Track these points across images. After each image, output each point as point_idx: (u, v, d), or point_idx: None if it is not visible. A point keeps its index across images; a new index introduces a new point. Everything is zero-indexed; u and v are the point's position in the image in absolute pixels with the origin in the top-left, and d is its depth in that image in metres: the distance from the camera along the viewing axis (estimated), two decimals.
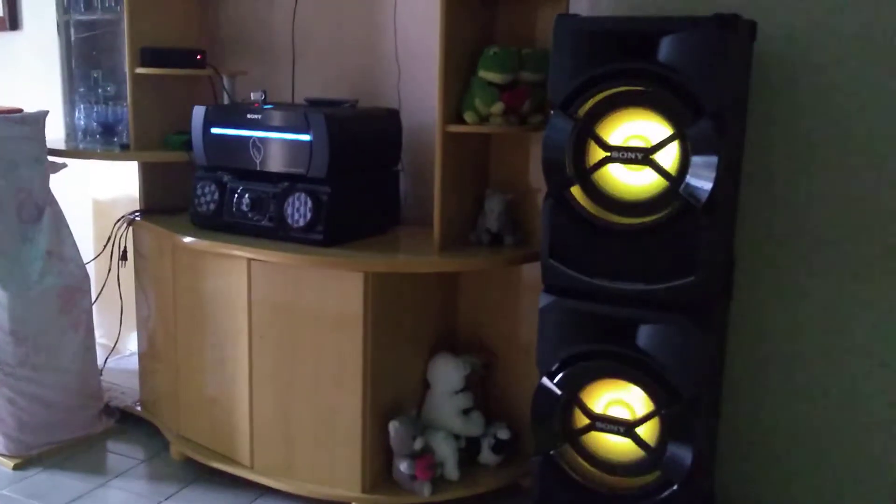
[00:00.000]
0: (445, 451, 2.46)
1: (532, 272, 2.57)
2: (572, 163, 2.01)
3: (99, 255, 3.13)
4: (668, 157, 1.93)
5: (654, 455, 2.04)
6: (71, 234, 2.84)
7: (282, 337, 2.44)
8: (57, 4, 3.15)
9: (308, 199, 2.42)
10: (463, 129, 2.36)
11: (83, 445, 2.84)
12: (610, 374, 2.06)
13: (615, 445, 2.10)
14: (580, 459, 2.14)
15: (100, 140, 3.03)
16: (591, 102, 1.97)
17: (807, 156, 2.31)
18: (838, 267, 2.31)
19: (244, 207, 2.52)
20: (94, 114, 3.04)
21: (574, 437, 2.13)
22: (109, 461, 2.75)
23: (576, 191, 2.03)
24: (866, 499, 2.36)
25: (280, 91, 2.96)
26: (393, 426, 2.39)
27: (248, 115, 2.50)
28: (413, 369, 2.56)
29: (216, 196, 2.59)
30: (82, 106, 3.09)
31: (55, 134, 3.12)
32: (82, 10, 3.07)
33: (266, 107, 2.53)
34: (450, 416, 2.53)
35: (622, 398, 2.09)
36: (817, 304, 2.35)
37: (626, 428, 2.06)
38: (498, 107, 2.33)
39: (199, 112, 2.61)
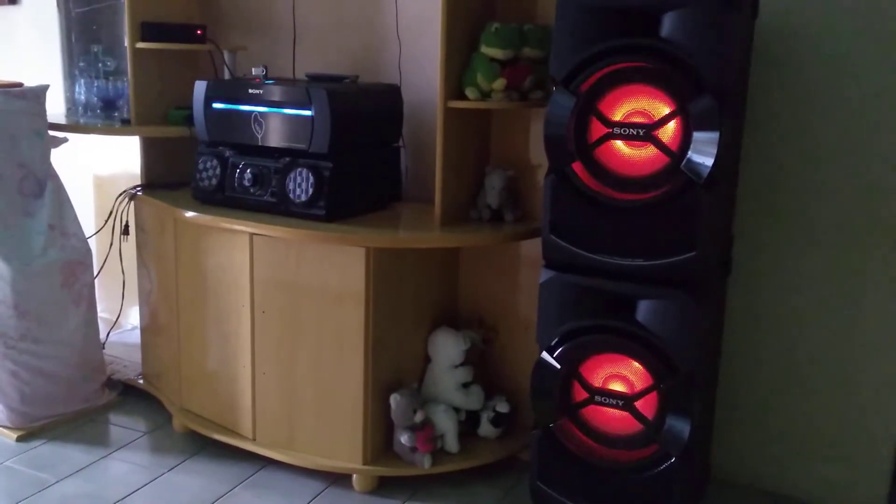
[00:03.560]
0: (445, 423, 2.49)
1: (532, 248, 2.58)
2: (574, 139, 2.01)
3: (101, 229, 3.14)
4: (670, 133, 1.94)
5: (652, 428, 2.06)
6: (72, 209, 2.85)
7: (284, 311, 2.46)
8: None
9: (310, 174, 2.42)
10: (464, 105, 2.36)
11: (86, 418, 2.86)
12: (609, 348, 2.08)
13: (614, 419, 2.13)
14: (579, 433, 2.16)
15: (100, 115, 3.03)
16: (593, 78, 1.97)
17: (808, 132, 2.32)
18: (836, 243, 2.33)
19: (246, 182, 2.53)
20: (95, 88, 3.03)
21: (573, 410, 2.15)
22: (112, 433, 2.78)
23: (577, 167, 2.04)
24: (861, 474, 2.39)
25: (281, 66, 2.96)
26: (394, 399, 2.42)
27: (250, 91, 2.50)
28: (414, 343, 2.58)
29: (218, 171, 2.59)
30: (82, 81, 3.08)
31: (55, 109, 3.12)
32: None
33: (267, 82, 2.53)
34: (450, 390, 2.55)
35: (621, 372, 2.11)
36: (815, 281, 2.37)
37: (624, 401, 2.08)
38: (499, 83, 2.33)
39: (200, 87, 2.61)
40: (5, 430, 2.73)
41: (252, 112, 2.51)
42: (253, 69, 2.69)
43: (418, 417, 2.42)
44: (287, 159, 2.48)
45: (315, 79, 2.65)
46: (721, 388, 2.52)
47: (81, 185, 3.43)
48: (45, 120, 2.79)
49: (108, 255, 3.04)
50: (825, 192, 2.32)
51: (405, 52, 2.74)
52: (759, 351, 2.47)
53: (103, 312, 3.26)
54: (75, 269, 2.82)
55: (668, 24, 1.88)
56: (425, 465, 2.43)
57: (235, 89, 2.54)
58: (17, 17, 3.61)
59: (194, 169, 2.65)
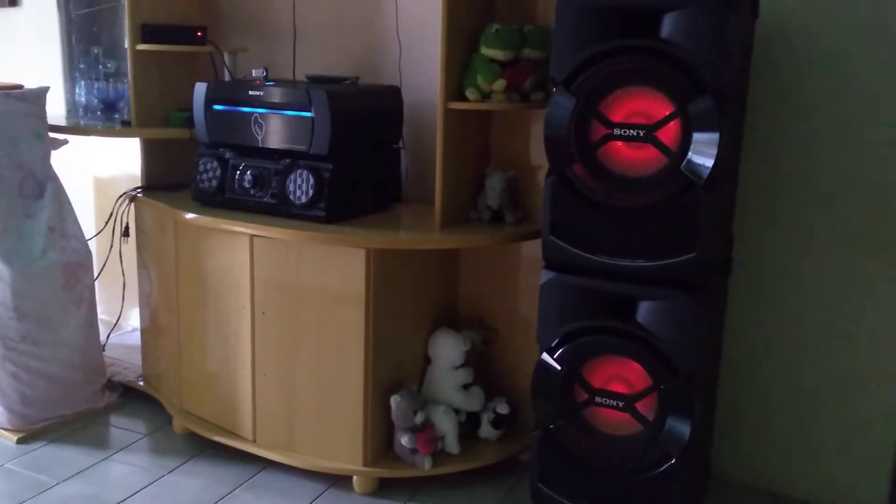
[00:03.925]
0: (446, 425, 2.49)
1: (532, 249, 2.58)
2: (574, 140, 2.01)
3: (101, 231, 3.14)
4: (670, 134, 1.94)
5: (652, 429, 2.06)
6: (73, 211, 2.85)
7: (284, 313, 2.46)
8: None
9: (310, 175, 2.42)
10: (464, 106, 2.36)
11: (86, 420, 2.86)
12: (610, 349, 2.08)
13: (614, 420, 2.13)
14: (579, 434, 2.16)
15: (101, 117, 3.03)
16: (593, 79, 1.97)
17: (808, 132, 2.32)
18: (837, 244, 2.33)
19: (246, 184, 2.53)
20: (95, 90, 3.03)
21: (574, 411, 2.15)
22: (113, 435, 2.78)
23: (578, 168, 2.04)
24: (861, 473, 2.39)
25: (281, 68, 2.96)
26: (394, 400, 2.42)
27: (250, 92, 2.50)
28: (414, 345, 2.58)
29: (218, 173, 2.59)
30: (83, 82, 3.08)
31: (56, 110, 3.12)
32: None
33: (268, 83, 2.53)
34: (450, 391, 2.55)
35: (621, 373, 2.11)
36: (815, 281, 2.37)
37: (625, 402, 2.08)
38: (500, 84, 2.33)
39: (200, 89, 2.61)
40: (6, 433, 2.72)
41: (252, 114, 2.51)
42: (253, 71, 2.69)
43: (419, 419, 2.41)
44: (287, 161, 2.48)
45: (315, 80, 2.65)
46: (721, 389, 2.52)
47: (82, 186, 3.43)
48: (46, 122, 2.78)
49: (108, 256, 3.04)
50: (826, 193, 2.32)
51: (405, 54, 2.74)
52: (760, 351, 2.47)
53: (103, 314, 3.26)
54: (76, 271, 2.81)
55: (667, 25, 1.88)
56: (426, 466, 2.43)
57: (236, 91, 2.54)
58: (17, 19, 3.61)
59: (194, 171, 2.65)
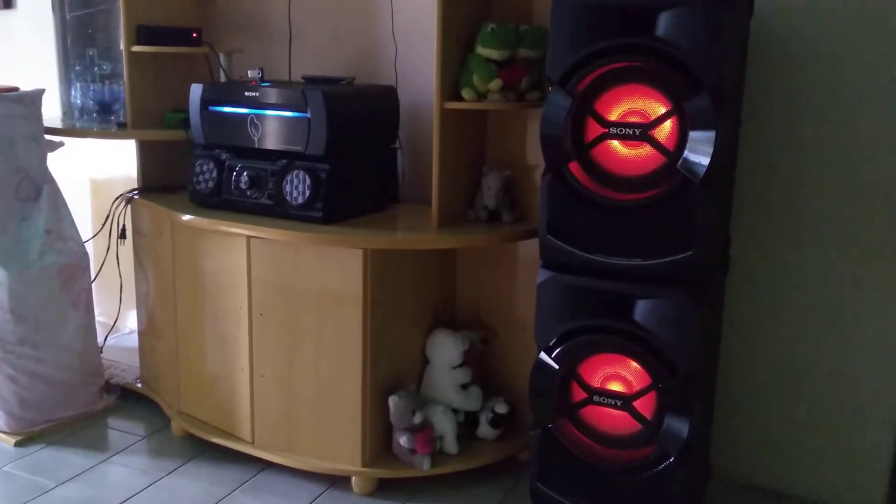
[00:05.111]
0: (444, 425, 2.49)
1: (529, 248, 2.58)
2: (570, 139, 2.01)
3: (98, 233, 3.13)
4: (666, 133, 1.94)
5: (651, 428, 2.06)
6: (69, 213, 2.84)
7: (282, 314, 2.46)
8: None
9: (306, 176, 2.42)
10: (461, 106, 2.36)
11: (84, 422, 2.86)
12: (607, 348, 2.08)
13: (613, 419, 2.13)
14: (578, 433, 2.16)
15: (97, 118, 3.02)
16: (589, 78, 1.97)
17: (803, 130, 2.32)
18: (833, 241, 2.33)
19: (243, 185, 2.53)
20: (91, 92, 3.03)
21: (572, 410, 2.15)
22: (111, 437, 2.77)
23: (574, 167, 2.04)
24: (860, 472, 2.39)
25: (277, 69, 2.95)
26: (393, 401, 2.42)
27: (246, 93, 2.50)
28: (412, 345, 2.58)
29: (215, 174, 2.59)
30: (78, 84, 3.07)
31: (52, 112, 3.11)
32: None
33: (263, 84, 2.53)
34: (448, 391, 2.55)
35: (619, 372, 2.11)
36: (814, 280, 2.37)
37: (623, 401, 2.08)
38: (496, 83, 2.33)
39: (196, 90, 2.61)
40: (4, 436, 2.72)
41: (248, 115, 2.51)
42: (249, 72, 2.68)
43: (417, 419, 2.41)
44: (284, 161, 2.48)
45: (311, 81, 2.65)
46: (720, 387, 2.52)
47: (78, 189, 3.43)
48: (42, 124, 2.78)
49: (105, 258, 3.04)
50: (823, 191, 2.32)
51: (401, 54, 2.73)
52: (759, 349, 2.47)
53: (101, 316, 3.26)
54: (73, 274, 2.81)
55: (663, 23, 1.87)
56: (424, 466, 2.43)
57: (232, 92, 2.54)
58: (12, 21, 3.61)
59: (191, 172, 2.65)
